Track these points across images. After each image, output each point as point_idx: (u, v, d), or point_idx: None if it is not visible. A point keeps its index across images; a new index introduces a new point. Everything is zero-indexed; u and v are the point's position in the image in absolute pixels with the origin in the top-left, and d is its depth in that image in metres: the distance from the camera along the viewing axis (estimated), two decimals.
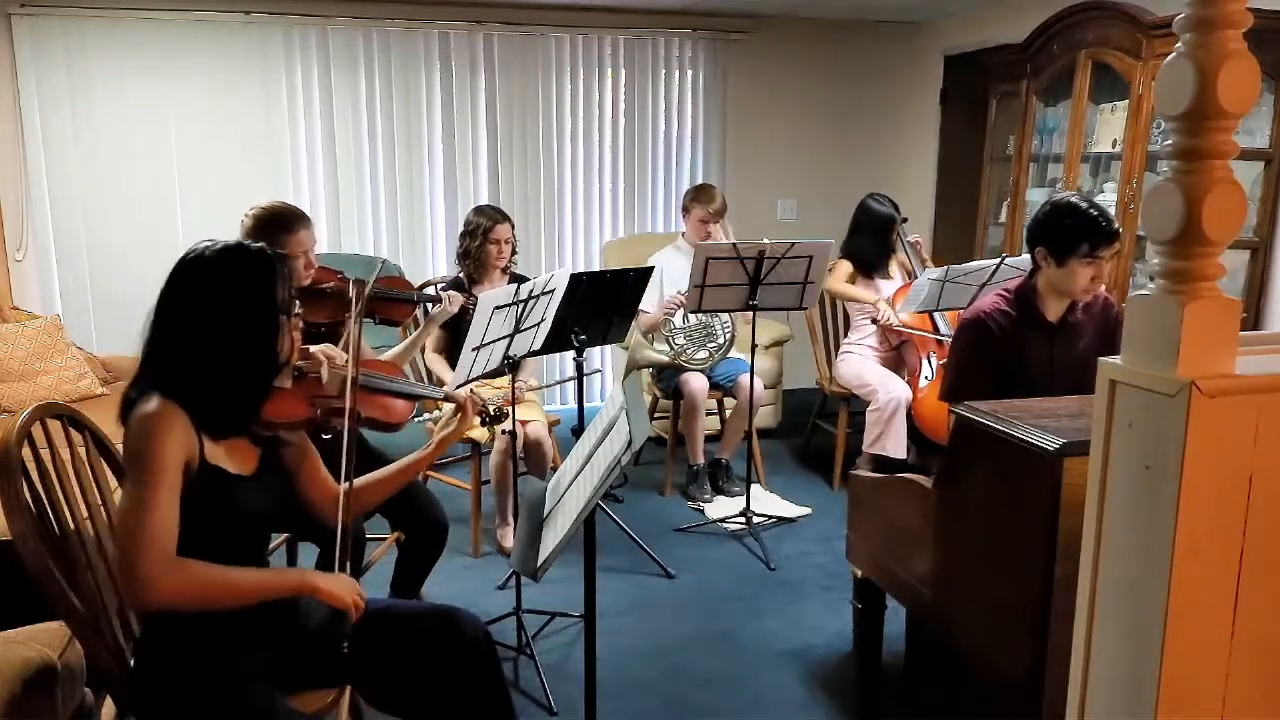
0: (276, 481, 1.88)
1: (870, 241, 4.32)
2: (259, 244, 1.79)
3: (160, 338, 1.71)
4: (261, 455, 1.84)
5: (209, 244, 1.74)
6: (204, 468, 1.69)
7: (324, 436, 2.04)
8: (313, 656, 1.87)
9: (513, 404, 3.21)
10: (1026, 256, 2.74)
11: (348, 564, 1.79)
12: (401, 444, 2.51)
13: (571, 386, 5.54)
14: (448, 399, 2.30)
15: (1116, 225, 2.54)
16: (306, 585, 1.75)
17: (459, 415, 2.17)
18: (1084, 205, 2.54)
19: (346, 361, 1.94)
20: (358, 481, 1.99)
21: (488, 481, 3.78)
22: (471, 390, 2.27)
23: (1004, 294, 2.75)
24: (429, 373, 3.84)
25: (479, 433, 3.66)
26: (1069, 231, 2.53)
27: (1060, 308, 2.68)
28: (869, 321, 4.33)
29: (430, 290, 3.17)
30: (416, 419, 2.35)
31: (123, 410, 1.70)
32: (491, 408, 2.31)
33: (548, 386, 3.25)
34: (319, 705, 1.88)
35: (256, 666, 1.78)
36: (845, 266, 4.34)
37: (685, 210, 4.41)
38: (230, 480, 1.74)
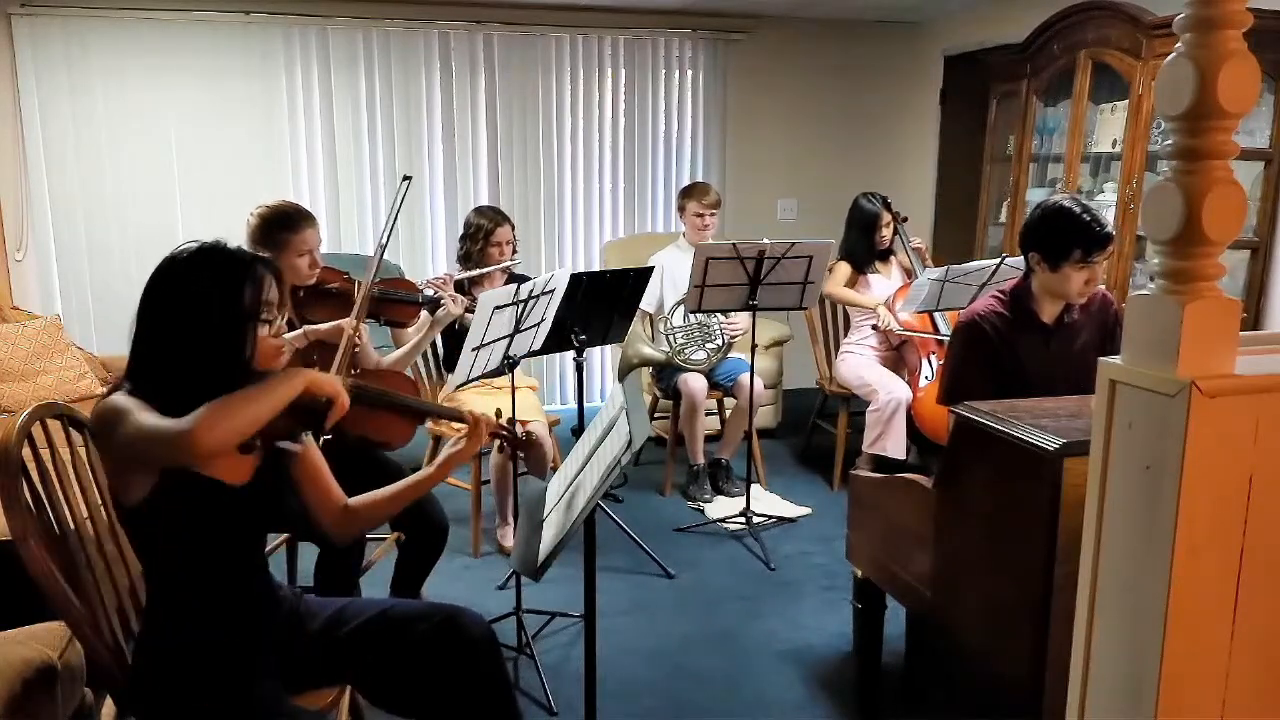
0: (272, 491, 1.83)
1: (858, 239, 4.35)
2: (238, 246, 1.74)
3: (137, 337, 1.70)
4: (259, 465, 1.79)
5: (190, 244, 1.72)
6: (181, 471, 1.65)
7: (324, 438, 2.02)
8: (312, 656, 1.87)
9: (513, 409, 3.23)
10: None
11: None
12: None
13: (571, 386, 5.55)
14: (459, 418, 2.11)
15: (1110, 229, 2.52)
16: (302, 382, 1.67)
17: (469, 435, 2.04)
18: (1077, 210, 2.50)
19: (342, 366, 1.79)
20: (355, 500, 1.98)
21: (488, 481, 3.78)
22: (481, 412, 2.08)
23: (999, 295, 2.73)
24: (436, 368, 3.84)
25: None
26: (1061, 236, 2.50)
27: (1056, 309, 2.67)
28: (870, 326, 4.33)
29: (430, 291, 3.16)
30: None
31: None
32: (507, 430, 2.14)
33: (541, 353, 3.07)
34: (319, 704, 1.88)
35: (258, 665, 1.77)
36: (843, 269, 4.36)
37: (680, 209, 4.43)
38: (210, 489, 1.69)
